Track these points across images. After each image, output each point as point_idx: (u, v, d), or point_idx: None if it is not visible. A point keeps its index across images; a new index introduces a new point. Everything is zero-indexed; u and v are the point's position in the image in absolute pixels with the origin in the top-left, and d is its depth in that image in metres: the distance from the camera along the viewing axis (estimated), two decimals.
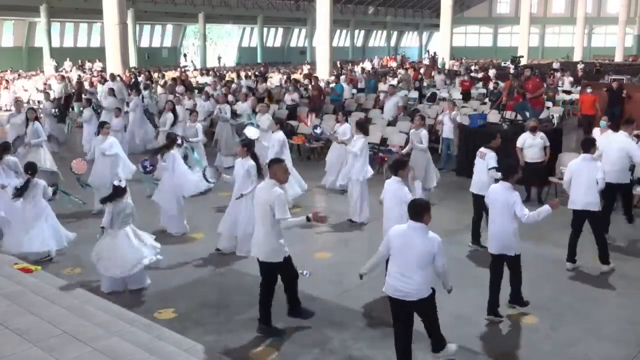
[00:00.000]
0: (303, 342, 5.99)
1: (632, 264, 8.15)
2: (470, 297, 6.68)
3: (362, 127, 10.11)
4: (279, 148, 10.53)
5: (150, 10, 42.62)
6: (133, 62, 34.39)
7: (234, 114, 14.52)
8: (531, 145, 10.55)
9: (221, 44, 55.66)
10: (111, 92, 17.29)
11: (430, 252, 5.05)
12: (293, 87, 19.99)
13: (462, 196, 11.29)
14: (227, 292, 7.27)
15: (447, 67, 36.28)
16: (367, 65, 38.24)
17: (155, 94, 20.24)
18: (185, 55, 46.64)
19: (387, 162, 11.08)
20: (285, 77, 26.88)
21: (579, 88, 21.81)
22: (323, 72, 25.77)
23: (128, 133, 15.01)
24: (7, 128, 13.29)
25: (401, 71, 29.18)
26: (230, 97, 16.63)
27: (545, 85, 17.41)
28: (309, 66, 36.01)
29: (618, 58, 48.83)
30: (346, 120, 12.25)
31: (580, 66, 32.93)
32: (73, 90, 21.73)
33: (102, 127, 10.42)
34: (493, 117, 14.93)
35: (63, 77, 23.88)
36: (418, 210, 5.15)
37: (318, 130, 12.56)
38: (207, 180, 8.38)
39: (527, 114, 13.29)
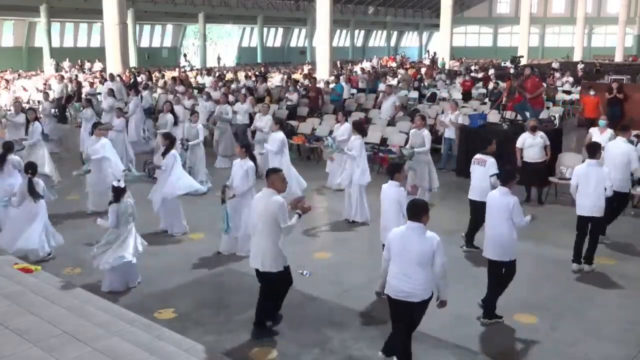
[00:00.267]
0: (303, 342, 5.99)
1: (632, 264, 8.15)
2: (470, 297, 6.67)
3: (359, 127, 10.12)
4: (280, 148, 10.54)
5: (150, 10, 42.63)
6: (133, 62, 34.41)
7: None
8: (531, 145, 10.55)
9: (221, 44, 55.67)
10: (111, 92, 17.29)
11: (430, 251, 5.05)
12: (293, 87, 19.99)
13: (462, 196, 11.27)
14: (227, 292, 7.27)
15: (447, 67, 36.28)
16: (367, 65, 38.24)
17: (155, 94, 20.21)
18: (185, 55, 46.66)
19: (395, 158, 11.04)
20: (286, 77, 26.88)
21: (579, 88, 21.82)
22: (323, 72, 25.78)
23: (130, 134, 14.96)
24: (6, 130, 13.27)
25: (401, 71, 29.20)
26: (230, 97, 16.64)
27: (545, 85, 17.39)
28: (309, 66, 36.02)
29: (618, 58, 48.82)
30: (346, 120, 12.26)
31: (580, 66, 32.93)
32: (73, 91, 21.71)
33: (95, 128, 10.40)
34: (493, 117, 14.94)
35: (63, 77, 23.89)
36: (416, 211, 5.16)
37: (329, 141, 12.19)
38: (223, 202, 8.35)
39: (527, 114, 13.28)
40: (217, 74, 26.85)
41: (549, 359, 5.81)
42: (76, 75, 27.67)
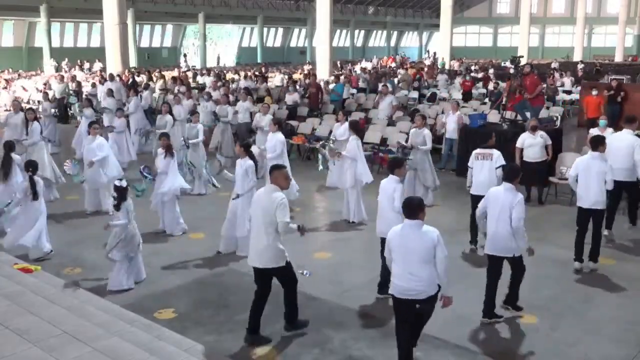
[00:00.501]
0: (303, 342, 5.99)
1: (632, 264, 8.14)
2: (470, 297, 6.67)
3: (355, 128, 10.13)
4: (280, 149, 10.53)
5: (150, 10, 42.63)
6: (133, 62, 34.40)
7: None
8: (531, 145, 10.55)
9: (221, 44, 55.67)
10: (110, 92, 17.29)
11: (431, 246, 5.03)
12: (293, 87, 19.99)
13: (462, 196, 11.28)
14: (227, 292, 7.27)
15: (447, 67, 36.30)
16: (368, 65, 38.27)
17: (154, 94, 20.21)
18: (185, 56, 46.66)
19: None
20: (287, 77, 26.90)
21: (579, 88, 21.82)
22: (323, 72, 25.78)
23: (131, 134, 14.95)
24: (4, 129, 13.25)
25: (401, 71, 29.20)
26: (230, 97, 16.64)
27: (544, 85, 17.39)
28: (309, 66, 36.03)
29: (618, 58, 48.81)
30: (346, 120, 12.26)
31: (580, 66, 32.93)
32: (74, 91, 21.69)
33: (90, 127, 10.39)
34: (493, 117, 14.94)
35: (63, 77, 23.88)
36: (412, 208, 5.16)
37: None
38: (209, 177, 8.36)
39: (528, 114, 13.28)
40: (217, 74, 26.83)
41: (549, 359, 5.81)
42: (74, 75, 27.65)
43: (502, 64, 38.10)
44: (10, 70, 33.28)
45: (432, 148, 10.89)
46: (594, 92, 16.04)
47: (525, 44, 43.61)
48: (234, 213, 8.32)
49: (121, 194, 7.16)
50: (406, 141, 11.22)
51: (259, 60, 48.48)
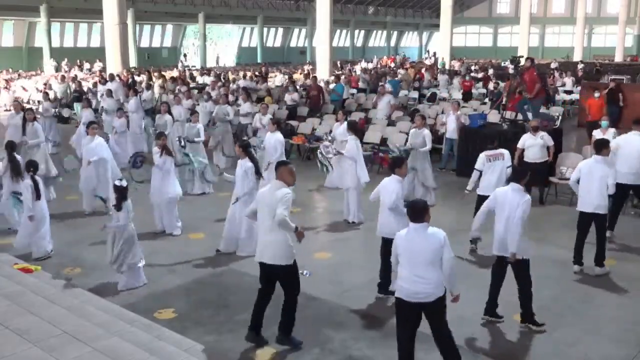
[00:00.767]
0: (303, 342, 5.98)
1: (632, 264, 8.14)
2: (471, 298, 6.66)
3: (354, 128, 10.14)
4: (280, 150, 10.53)
5: (150, 10, 42.62)
6: (133, 62, 34.41)
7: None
8: (532, 145, 10.54)
9: (221, 44, 55.67)
10: (109, 93, 17.28)
11: (439, 247, 5.02)
12: (293, 87, 19.99)
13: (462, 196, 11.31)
14: (226, 292, 7.27)
15: (447, 67, 36.31)
16: (369, 66, 38.28)
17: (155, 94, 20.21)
18: (185, 55, 46.65)
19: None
20: (287, 77, 26.91)
21: (579, 88, 21.82)
22: (323, 72, 25.78)
23: (131, 134, 14.93)
24: (7, 131, 13.25)
25: (401, 71, 29.20)
26: (230, 97, 16.64)
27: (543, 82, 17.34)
28: (309, 66, 36.03)
29: (618, 58, 48.79)
30: (346, 120, 12.27)
31: (580, 66, 32.93)
32: (76, 91, 21.69)
33: (88, 127, 10.39)
34: (493, 117, 14.94)
35: (64, 78, 23.87)
36: (417, 211, 5.14)
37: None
38: (207, 180, 8.35)
39: (529, 114, 13.27)
40: (217, 74, 26.84)
41: (549, 359, 5.81)
42: (75, 75, 27.64)
43: (502, 64, 38.11)
44: (10, 70, 33.27)
45: (432, 148, 10.90)
46: (596, 94, 15.67)
47: (525, 44, 43.61)
48: (234, 214, 8.32)
49: (121, 193, 7.14)
50: (405, 142, 11.24)
51: (259, 60, 48.47)
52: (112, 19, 24.06)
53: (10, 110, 16.13)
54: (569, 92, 23.13)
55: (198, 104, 16.13)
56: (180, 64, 40.92)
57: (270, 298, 6.02)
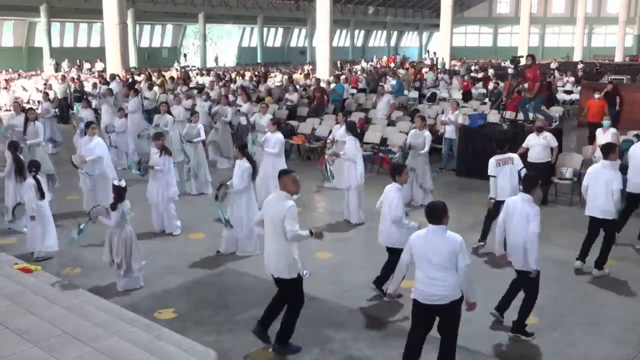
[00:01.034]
0: (303, 342, 5.98)
1: (632, 264, 8.15)
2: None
3: (352, 128, 10.15)
4: (280, 149, 10.53)
5: (150, 10, 42.66)
6: (133, 62, 34.42)
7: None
8: (534, 145, 10.52)
9: (221, 44, 55.68)
10: (109, 93, 17.27)
11: (454, 251, 4.99)
12: (293, 87, 19.99)
13: (462, 196, 11.32)
14: (226, 292, 7.27)
15: (447, 67, 36.33)
16: (368, 66, 38.29)
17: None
18: (185, 56, 46.66)
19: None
20: (287, 77, 26.92)
21: (579, 88, 21.81)
22: (323, 72, 25.79)
23: (130, 134, 14.92)
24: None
25: (401, 71, 29.21)
26: (230, 97, 16.63)
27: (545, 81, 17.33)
28: (309, 66, 36.03)
29: (618, 58, 48.82)
30: (345, 121, 12.24)
31: (580, 66, 32.93)
32: (76, 91, 21.70)
33: (88, 127, 10.39)
34: (493, 117, 14.94)
35: (65, 78, 23.85)
36: (436, 213, 5.10)
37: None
38: (220, 210, 8.27)
39: (531, 115, 13.25)
40: (217, 74, 26.83)
41: (549, 359, 5.81)
42: (78, 76, 27.64)
43: (502, 64, 38.12)
44: (10, 70, 33.27)
45: (432, 148, 10.92)
46: (596, 95, 15.50)
47: (525, 44, 43.62)
48: (234, 213, 8.32)
49: (119, 194, 7.12)
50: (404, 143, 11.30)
51: (259, 60, 48.49)
52: (112, 19, 24.07)
53: (10, 110, 16.11)
54: (569, 92, 23.12)
55: (196, 104, 16.13)
56: (176, 64, 40.83)
57: (284, 304, 5.95)
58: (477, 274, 7.58)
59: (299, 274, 5.79)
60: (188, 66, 41.41)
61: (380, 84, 20.56)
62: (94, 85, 22.46)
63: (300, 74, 30.77)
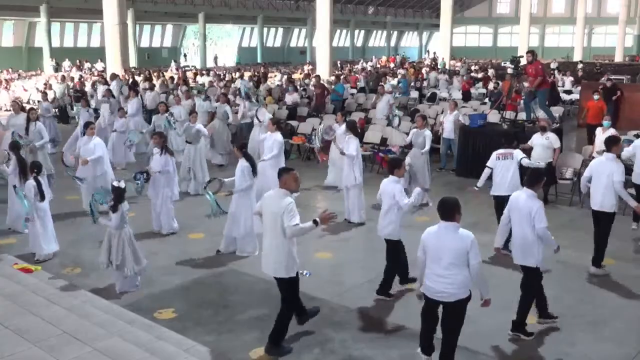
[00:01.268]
0: (303, 342, 5.98)
1: (632, 264, 8.14)
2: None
3: (353, 128, 10.15)
4: (279, 150, 10.53)
5: (150, 10, 42.64)
6: (133, 62, 34.43)
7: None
8: (537, 145, 10.49)
9: (221, 44, 55.67)
10: (109, 94, 17.25)
11: (464, 248, 5.00)
12: (293, 87, 19.99)
13: (462, 196, 11.27)
14: (226, 292, 7.27)
15: (447, 67, 36.34)
16: (368, 66, 38.29)
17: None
18: (185, 56, 46.64)
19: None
20: (286, 77, 26.93)
21: (579, 88, 21.81)
22: (323, 72, 25.80)
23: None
24: (7, 131, 13.21)
25: (401, 71, 29.22)
26: (230, 97, 16.63)
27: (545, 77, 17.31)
28: (309, 66, 36.02)
29: (618, 58, 48.83)
30: (344, 121, 12.24)
31: (580, 66, 32.93)
32: (77, 91, 21.68)
33: (87, 127, 10.38)
34: (493, 117, 14.93)
35: (64, 78, 23.83)
36: (448, 210, 5.14)
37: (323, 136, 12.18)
38: (208, 194, 8.24)
39: (536, 113, 13.27)
40: (217, 74, 26.84)
41: (549, 359, 5.81)
42: (80, 76, 27.62)
43: (502, 64, 38.12)
44: (10, 70, 33.28)
45: (432, 148, 10.95)
46: (595, 97, 15.36)
47: (525, 44, 43.59)
48: (234, 213, 8.33)
49: (118, 194, 7.11)
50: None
51: (259, 60, 48.49)
52: (112, 19, 24.05)
53: (10, 110, 16.07)
54: (569, 92, 23.11)
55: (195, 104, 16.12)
56: (174, 64, 40.65)
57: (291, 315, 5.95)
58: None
59: (297, 273, 5.78)
60: (187, 66, 41.33)
61: (380, 84, 20.57)
62: (93, 85, 22.48)
63: (300, 74, 30.77)
